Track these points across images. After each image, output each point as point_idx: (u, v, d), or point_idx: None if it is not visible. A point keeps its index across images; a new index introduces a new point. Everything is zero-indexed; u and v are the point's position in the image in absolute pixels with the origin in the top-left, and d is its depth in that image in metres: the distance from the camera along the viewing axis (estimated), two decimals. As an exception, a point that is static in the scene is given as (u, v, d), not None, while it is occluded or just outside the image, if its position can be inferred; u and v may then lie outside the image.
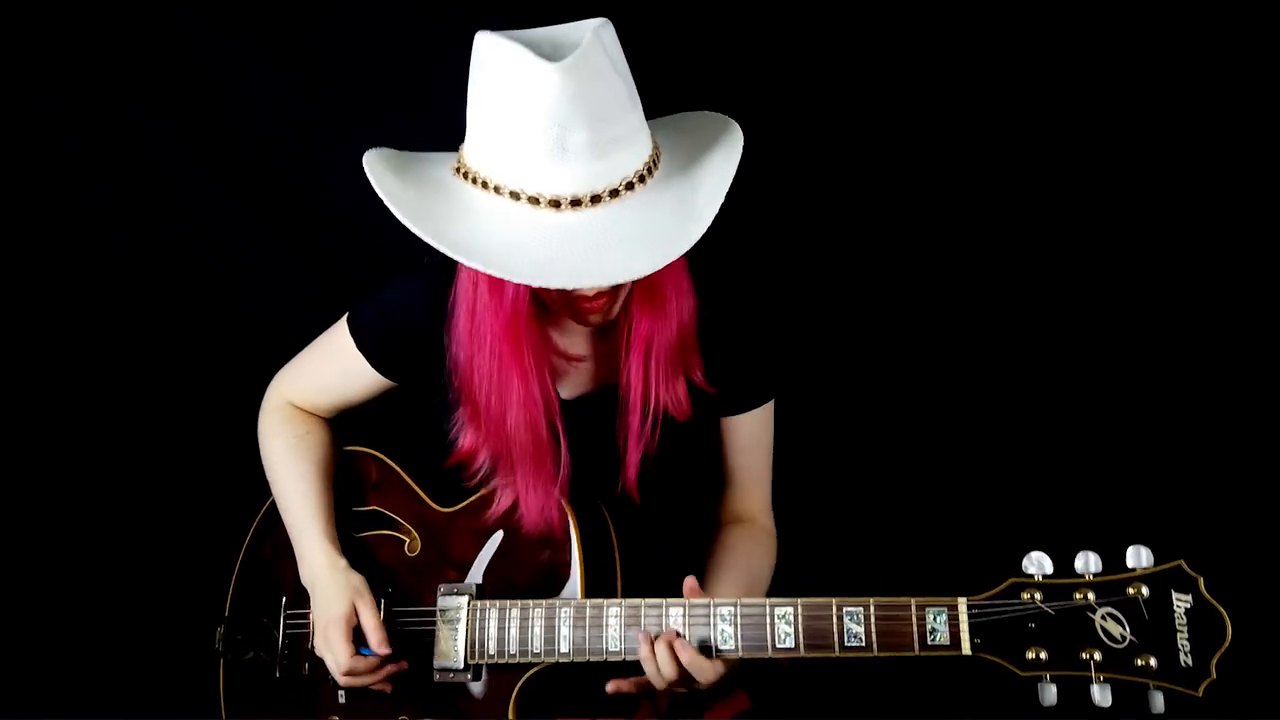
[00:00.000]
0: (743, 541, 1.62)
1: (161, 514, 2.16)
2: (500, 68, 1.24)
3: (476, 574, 1.53)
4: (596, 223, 1.24)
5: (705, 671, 1.33)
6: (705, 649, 1.34)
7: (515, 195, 1.25)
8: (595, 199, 1.24)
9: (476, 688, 1.48)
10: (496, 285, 1.34)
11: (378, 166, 1.32)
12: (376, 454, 1.70)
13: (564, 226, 1.23)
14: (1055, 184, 2.01)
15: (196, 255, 2.18)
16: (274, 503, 1.72)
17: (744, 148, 1.33)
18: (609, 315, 1.40)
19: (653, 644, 1.35)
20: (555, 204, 1.24)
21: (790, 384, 1.66)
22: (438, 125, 1.46)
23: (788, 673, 1.69)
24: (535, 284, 1.25)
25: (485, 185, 1.28)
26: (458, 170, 1.33)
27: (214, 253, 2.18)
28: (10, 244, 2.14)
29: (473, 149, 1.31)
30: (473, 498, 1.57)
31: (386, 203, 1.27)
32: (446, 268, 1.42)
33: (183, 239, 2.17)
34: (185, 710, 1.89)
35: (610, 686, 1.42)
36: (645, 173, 1.28)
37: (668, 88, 1.48)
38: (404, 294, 1.54)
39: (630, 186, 1.26)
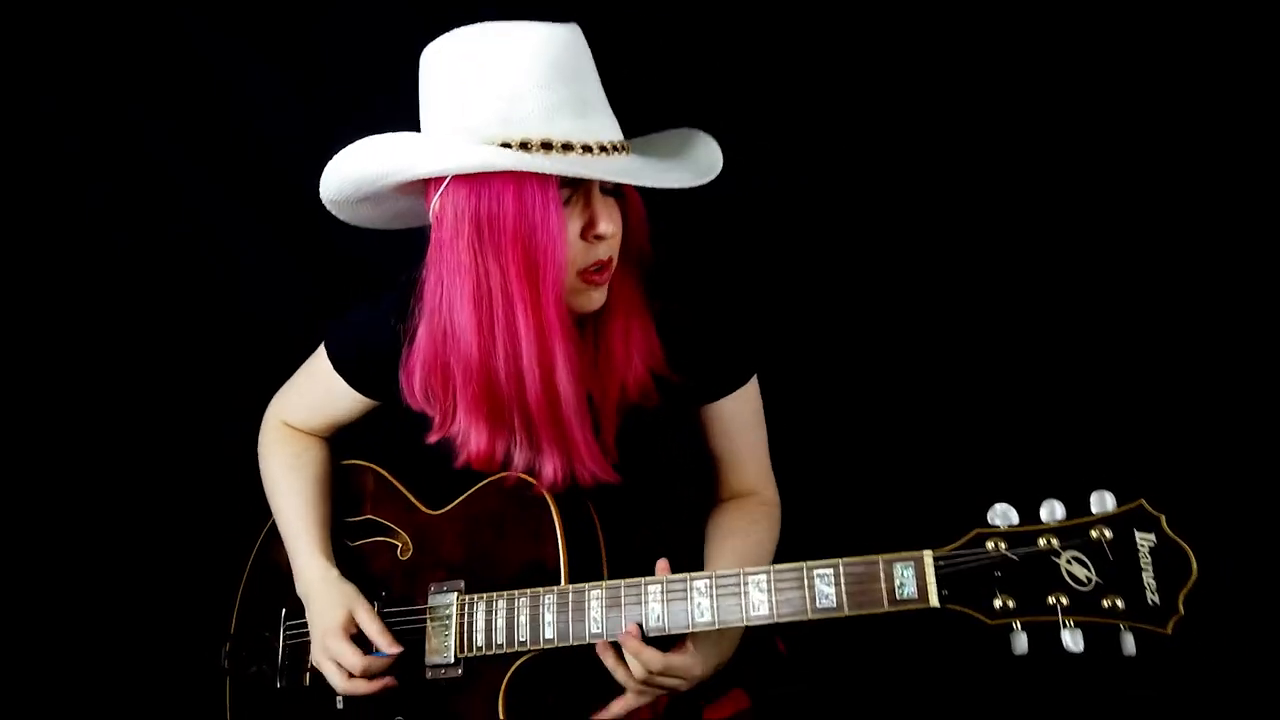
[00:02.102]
0: (737, 524, 1.62)
1: (162, 518, 2.17)
2: (506, 38, 1.32)
3: (465, 571, 1.53)
4: (625, 162, 1.34)
5: (654, 662, 1.35)
6: (655, 640, 1.36)
7: (547, 145, 1.30)
8: (615, 148, 1.34)
9: (467, 683, 1.49)
10: (530, 263, 1.32)
11: (376, 149, 1.40)
12: (371, 465, 1.72)
13: (603, 162, 1.32)
14: (1006, 156, 2.03)
15: (196, 255, 2.18)
16: (272, 526, 1.74)
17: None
18: (603, 296, 1.44)
19: (616, 652, 1.38)
20: (587, 149, 1.31)
21: (767, 362, 1.66)
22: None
23: (787, 671, 1.70)
24: (624, 180, 1.33)
25: (507, 145, 1.30)
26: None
27: (214, 253, 2.18)
28: (10, 244, 2.15)
29: (486, 123, 1.31)
30: (460, 499, 1.58)
31: (444, 158, 1.32)
32: (407, 279, 1.46)
33: (183, 239, 2.18)
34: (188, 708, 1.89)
35: None
36: (626, 146, 1.38)
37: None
38: (373, 315, 1.56)
39: (625, 148, 1.36)
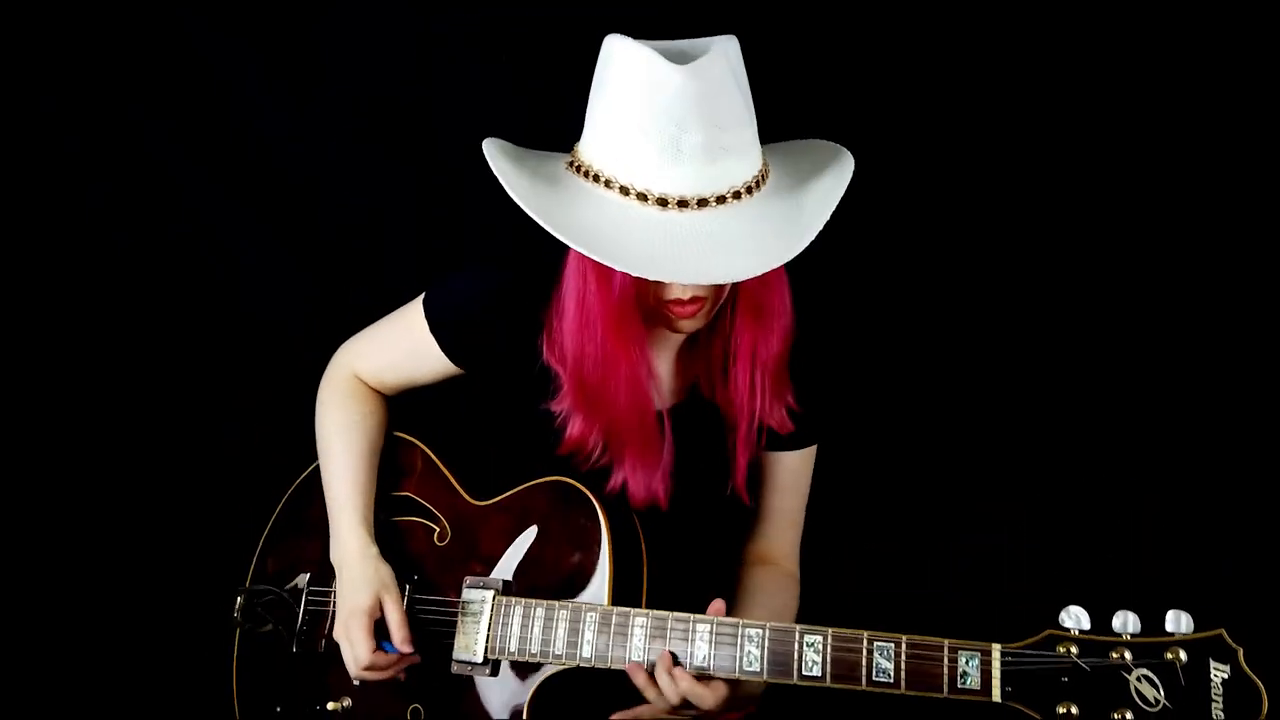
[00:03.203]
0: (768, 584, 1.63)
1: (161, 518, 2.16)
2: (627, 67, 1.31)
3: (504, 569, 1.52)
4: (701, 226, 1.30)
5: (705, 699, 1.33)
6: (703, 675, 1.34)
7: (625, 190, 1.31)
8: (702, 202, 1.30)
9: (493, 684, 1.48)
10: (603, 275, 1.37)
11: (495, 154, 1.38)
12: (419, 443, 1.69)
13: (671, 225, 1.29)
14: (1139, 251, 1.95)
15: (196, 255, 2.18)
16: (303, 481, 1.73)
17: (856, 183, 1.37)
18: (698, 324, 1.43)
19: (648, 674, 1.35)
20: (663, 202, 1.30)
21: (837, 430, 1.65)
22: (439, 124, 1.47)
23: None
24: (637, 273, 1.28)
25: (597, 179, 1.34)
26: (571, 165, 1.39)
27: (214, 253, 2.18)
28: (10, 244, 2.14)
29: (589, 145, 1.37)
30: (508, 493, 1.56)
31: (506, 189, 1.33)
32: (536, 259, 1.48)
33: (183, 239, 2.17)
34: (199, 676, 1.87)
35: None
36: (754, 184, 1.34)
37: (784, 112, 1.50)
38: (486, 283, 1.55)
39: (738, 196, 1.32)
